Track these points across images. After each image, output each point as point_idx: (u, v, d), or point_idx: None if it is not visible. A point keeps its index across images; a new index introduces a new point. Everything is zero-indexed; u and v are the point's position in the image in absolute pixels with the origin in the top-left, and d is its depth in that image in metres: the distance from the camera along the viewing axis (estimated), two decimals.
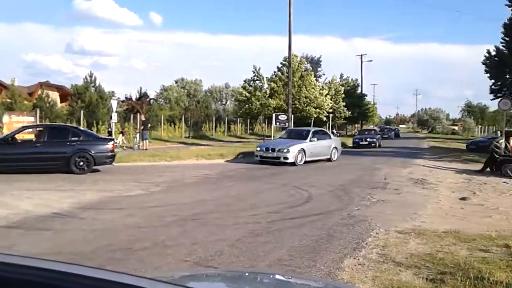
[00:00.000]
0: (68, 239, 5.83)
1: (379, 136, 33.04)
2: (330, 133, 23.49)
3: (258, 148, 17.60)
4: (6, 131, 19.75)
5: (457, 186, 12.01)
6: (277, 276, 2.41)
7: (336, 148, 19.30)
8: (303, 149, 17.12)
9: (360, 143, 30.14)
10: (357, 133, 36.42)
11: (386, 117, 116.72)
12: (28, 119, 20.99)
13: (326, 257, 5.15)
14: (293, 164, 16.38)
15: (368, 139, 30.63)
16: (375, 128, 42.39)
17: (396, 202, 9.21)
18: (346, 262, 4.98)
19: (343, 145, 29.81)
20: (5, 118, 20.13)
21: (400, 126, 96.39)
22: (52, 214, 7.24)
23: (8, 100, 29.12)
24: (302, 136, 18.24)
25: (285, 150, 16.55)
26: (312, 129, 20.42)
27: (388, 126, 67.78)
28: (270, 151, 16.85)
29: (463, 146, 31.19)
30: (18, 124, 20.44)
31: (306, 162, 17.11)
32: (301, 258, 5.09)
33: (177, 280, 1.66)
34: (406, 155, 23.20)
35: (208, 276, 2.09)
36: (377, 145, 30.38)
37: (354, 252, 5.38)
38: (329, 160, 18.50)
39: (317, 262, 4.92)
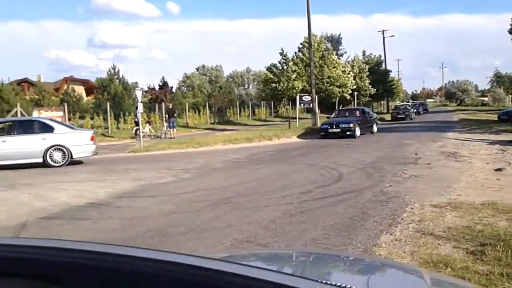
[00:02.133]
0: (107, 227, 5.98)
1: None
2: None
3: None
4: None
5: (491, 157, 11.72)
6: (316, 253, 2.41)
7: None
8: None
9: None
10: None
11: (412, 92, 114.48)
12: (57, 114, 21.51)
13: (361, 234, 5.13)
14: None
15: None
16: (408, 103, 48.49)
17: (429, 176, 9.06)
18: (382, 238, 4.94)
19: (382, 119, 34.03)
20: (35, 114, 20.67)
21: (427, 100, 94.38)
22: (89, 204, 7.43)
23: (36, 97, 29.86)
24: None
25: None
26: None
27: (416, 102, 66.70)
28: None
29: (494, 117, 30.39)
30: None
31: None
32: (336, 236, 5.08)
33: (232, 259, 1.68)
34: (435, 129, 22.76)
35: (257, 256, 2.10)
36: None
37: (390, 228, 5.33)
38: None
39: (353, 240, 4.91)
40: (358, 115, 22.33)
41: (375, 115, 25.38)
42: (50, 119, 15.09)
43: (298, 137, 21.72)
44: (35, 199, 7.96)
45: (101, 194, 8.32)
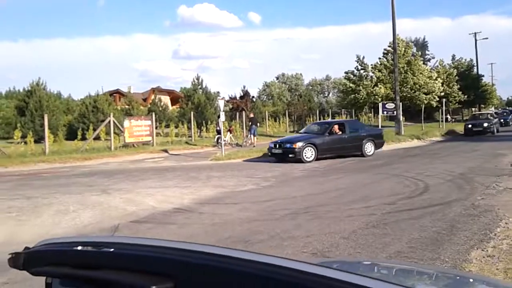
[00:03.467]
0: (192, 232, 6.22)
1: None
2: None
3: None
4: (127, 135, 21.72)
5: None
6: (402, 265, 2.32)
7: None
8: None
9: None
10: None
11: (507, 98, 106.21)
12: (146, 123, 22.78)
13: (450, 249, 4.86)
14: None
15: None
16: (491, 111, 38.19)
17: None
18: (473, 253, 4.65)
19: (453, 132, 29.35)
20: (126, 123, 22.04)
21: None
22: (174, 209, 7.77)
23: (127, 107, 31.90)
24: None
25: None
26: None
27: (505, 108, 60.14)
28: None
29: None
30: (137, 128, 22.38)
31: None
32: (423, 250, 4.86)
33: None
34: None
35: (336, 263, 2.08)
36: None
37: (482, 243, 5.00)
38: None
39: (440, 254, 4.66)
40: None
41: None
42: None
43: None
44: (125, 203, 8.48)
45: (186, 200, 8.67)
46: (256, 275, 0.92)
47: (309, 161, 14.97)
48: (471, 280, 1.83)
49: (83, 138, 22.07)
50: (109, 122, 21.01)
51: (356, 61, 37.18)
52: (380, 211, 6.92)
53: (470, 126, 27.67)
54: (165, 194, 9.45)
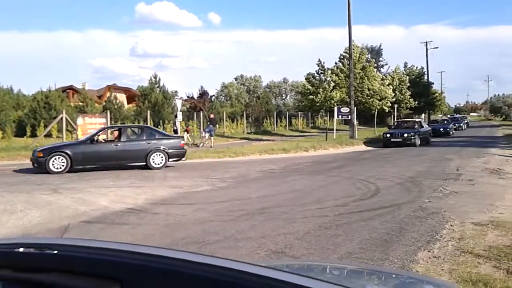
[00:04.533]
0: (145, 233, 6.13)
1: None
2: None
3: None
4: (80, 133, 21.09)
5: None
6: (351, 266, 2.40)
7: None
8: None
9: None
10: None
11: (455, 105, 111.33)
12: (100, 121, 22.20)
13: (398, 249, 5.04)
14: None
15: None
16: (419, 120, 38.96)
17: (470, 193, 8.79)
18: (420, 254, 4.84)
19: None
20: (79, 121, 21.41)
21: (471, 114, 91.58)
22: (128, 210, 7.63)
23: (81, 103, 30.96)
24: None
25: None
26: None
27: (455, 116, 62.79)
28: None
29: None
30: (91, 126, 21.77)
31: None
32: (373, 251, 5.02)
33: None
34: (478, 145, 22.04)
35: (287, 267, 2.12)
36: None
37: (428, 244, 5.21)
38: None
39: (389, 255, 4.83)
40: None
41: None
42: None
43: (335, 148, 21.52)
44: (77, 203, 8.24)
45: (140, 200, 8.53)
46: (202, 277, 0.92)
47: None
48: (417, 280, 1.92)
49: (34, 135, 21.27)
50: (62, 119, 20.35)
51: (317, 64, 37.81)
52: (333, 212, 7.08)
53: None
54: (119, 194, 9.26)
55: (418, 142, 22.65)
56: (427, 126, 26.67)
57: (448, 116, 56.73)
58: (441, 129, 32.22)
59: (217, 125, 26.79)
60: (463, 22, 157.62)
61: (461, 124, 43.29)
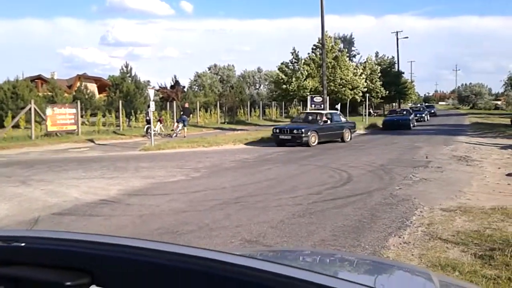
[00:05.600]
0: (118, 224, 6.06)
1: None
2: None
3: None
4: (49, 124, 20.59)
5: (502, 162, 11.63)
6: (325, 253, 2.44)
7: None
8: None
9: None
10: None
11: (424, 95, 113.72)
12: (70, 111, 21.75)
13: (370, 236, 5.15)
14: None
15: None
16: (408, 108, 38.39)
17: (439, 180, 9.04)
18: (391, 240, 4.96)
19: (375, 125, 29.82)
20: (49, 111, 20.90)
21: (440, 103, 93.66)
22: (100, 201, 7.52)
23: (50, 94, 30.16)
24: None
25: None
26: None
27: (421, 105, 60.81)
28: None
29: (507, 121, 30.12)
30: (61, 116, 21.28)
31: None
32: (345, 238, 5.11)
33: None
34: (447, 133, 22.61)
35: (261, 255, 2.14)
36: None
37: (399, 230, 5.35)
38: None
39: (361, 242, 4.93)
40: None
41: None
42: None
43: None
44: (47, 195, 8.08)
45: (113, 191, 8.42)
46: (174, 267, 0.92)
47: None
48: (388, 266, 1.96)
49: (1, 126, 20.64)
50: (30, 109, 19.81)
51: (291, 53, 37.91)
52: (306, 201, 7.16)
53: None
54: (90, 185, 9.11)
55: (312, 140, 17.49)
56: (342, 119, 20.70)
57: (411, 105, 54.75)
58: (400, 121, 27.57)
59: (191, 115, 26.54)
60: (430, 12, 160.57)
61: (423, 115, 37.90)
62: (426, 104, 65.61)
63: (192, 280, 0.90)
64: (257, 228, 5.59)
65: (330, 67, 35.24)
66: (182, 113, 24.79)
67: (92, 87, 40.46)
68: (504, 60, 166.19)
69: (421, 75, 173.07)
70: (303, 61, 36.87)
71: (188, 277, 0.91)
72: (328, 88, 30.49)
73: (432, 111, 48.41)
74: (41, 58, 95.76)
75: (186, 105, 26.49)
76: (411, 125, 27.62)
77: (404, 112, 30.67)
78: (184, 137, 22.38)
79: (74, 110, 21.81)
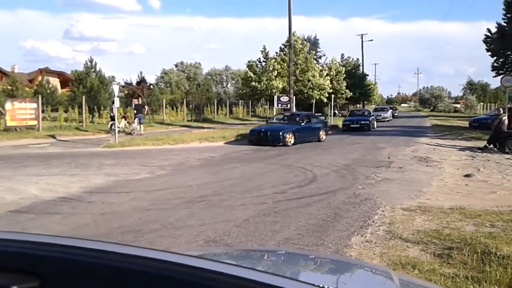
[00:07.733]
0: (78, 223, 5.90)
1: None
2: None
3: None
4: (8, 119, 19.84)
5: (461, 163, 12.04)
6: (288, 253, 2.45)
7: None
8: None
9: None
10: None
11: (387, 96, 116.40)
12: (31, 106, 21.03)
13: (333, 235, 5.21)
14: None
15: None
16: (368, 109, 37.61)
17: (400, 180, 9.26)
18: (353, 239, 5.04)
19: (336, 127, 29.15)
20: (8, 105, 20.14)
21: (402, 105, 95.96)
22: (60, 199, 7.30)
23: (9, 87, 29.06)
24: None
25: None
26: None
27: (382, 106, 59.88)
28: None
29: (465, 123, 31.16)
30: (21, 110, 20.55)
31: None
32: (309, 236, 5.15)
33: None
34: (408, 134, 23.18)
35: (226, 254, 2.12)
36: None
37: (361, 229, 5.44)
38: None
39: (324, 240, 4.99)
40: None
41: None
42: None
43: None
44: (4, 192, 7.77)
45: (73, 188, 8.19)
46: (128, 269, 0.88)
47: None
48: (349, 265, 1.98)
49: None
50: None
51: (261, 51, 37.92)
52: (271, 199, 7.18)
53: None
54: (50, 182, 8.83)
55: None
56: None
57: (375, 107, 54.40)
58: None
59: (144, 110, 25.81)
60: (394, 16, 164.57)
61: (387, 115, 38.59)
62: (390, 106, 67.05)
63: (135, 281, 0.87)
64: (222, 227, 5.56)
65: (300, 68, 35.52)
66: (135, 111, 24.29)
67: (55, 81, 39.30)
68: (465, 65, 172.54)
69: (385, 77, 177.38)
70: (273, 60, 36.96)
71: (139, 279, 0.88)
72: (296, 89, 30.70)
73: (396, 113, 49.55)
74: (0, 51, 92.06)
75: (136, 101, 25.89)
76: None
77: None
78: (141, 134, 21.94)
79: (35, 105, 21.11)
